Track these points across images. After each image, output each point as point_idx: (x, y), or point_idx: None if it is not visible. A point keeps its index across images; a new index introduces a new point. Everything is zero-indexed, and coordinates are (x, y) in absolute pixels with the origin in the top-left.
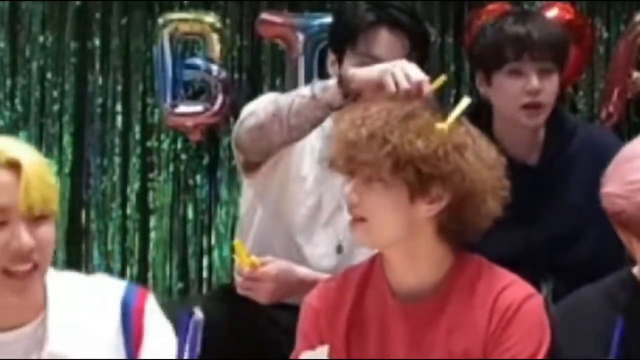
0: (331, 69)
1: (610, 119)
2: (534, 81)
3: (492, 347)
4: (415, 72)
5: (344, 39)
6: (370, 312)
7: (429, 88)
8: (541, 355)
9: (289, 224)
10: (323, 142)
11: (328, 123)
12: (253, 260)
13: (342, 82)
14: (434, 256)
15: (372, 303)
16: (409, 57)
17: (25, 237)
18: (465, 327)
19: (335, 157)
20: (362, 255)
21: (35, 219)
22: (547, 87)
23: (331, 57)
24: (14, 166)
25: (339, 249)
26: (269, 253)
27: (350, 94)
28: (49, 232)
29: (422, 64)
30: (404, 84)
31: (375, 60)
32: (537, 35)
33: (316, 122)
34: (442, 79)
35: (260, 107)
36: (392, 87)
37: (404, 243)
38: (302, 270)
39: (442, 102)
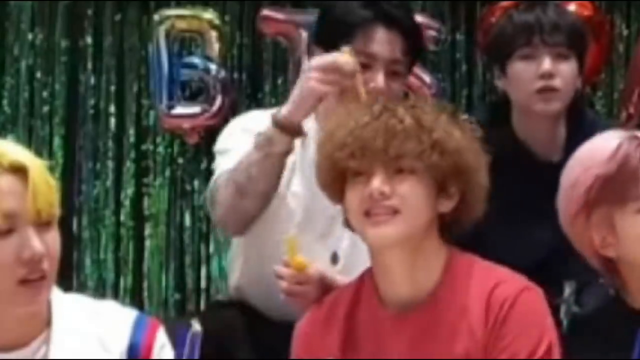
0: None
1: (630, 121)
2: (547, 63)
3: (492, 346)
4: (322, 59)
5: (337, 36)
6: (363, 328)
7: (346, 57)
8: (541, 351)
9: (279, 242)
10: (303, 151)
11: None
12: (300, 261)
13: (282, 127)
14: (433, 257)
15: (365, 318)
16: (405, 53)
17: (37, 243)
18: (464, 332)
19: (355, 150)
20: (357, 263)
21: (41, 225)
22: (563, 72)
23: (318, 53)
24: (19, 170)
25: (334, 259)
26: (264, 268)
27: (296, 132)
28: (55, 238)
29: (418, 56)
30: (331, 77)
31: (372, 57)
32: (546, 19)
33: (282, 171)
34: (345, 48)
35: (219, 196)
36: (327, 88)
37: (413, 241)
38: (337, 277)
39: (454, 102)
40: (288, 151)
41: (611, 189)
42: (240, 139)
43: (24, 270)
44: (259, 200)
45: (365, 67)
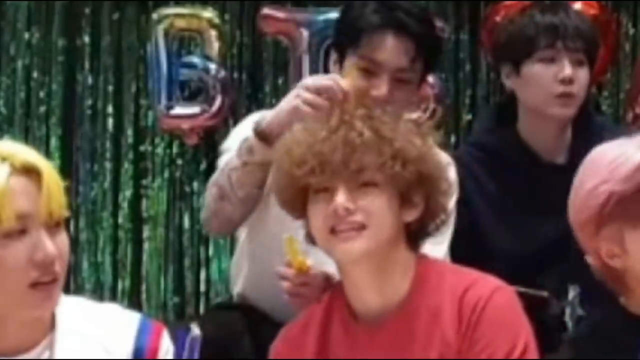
0: (333, 67)
1: (636, 122)
2: (568, 69)
3: (466, 350)
4: (319, 81)
5: (346, 40)
6: (337, 343)
7: (346, 83)
8: (517, 352)
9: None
10: None
11: None
12: (302, 261)
13: (261, 137)
14: (402, 267)
15: (338, 333)
16: (413, 62)
17: (49, 245)
18: (437, 339)
19: (315, 166)
20: None
21: (52, 227)
22: (580, 78)
23: (334, 55)
24: (30, 171)
25: None
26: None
27: (271, 139)
28: (65, 240)
29: (429, 69)
30: (319, 101)
31: (378, 65)
32: (570, 24)
33: (262, 183)
34: (352, 65)
35: (206, 197)
36: (310, 110)
37: (381, 253)
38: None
39: (458, 102)
40: (268, 162)
41: (625, 207)
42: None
43: (37, 272)
44: (240, 205)
45: (370, 73)
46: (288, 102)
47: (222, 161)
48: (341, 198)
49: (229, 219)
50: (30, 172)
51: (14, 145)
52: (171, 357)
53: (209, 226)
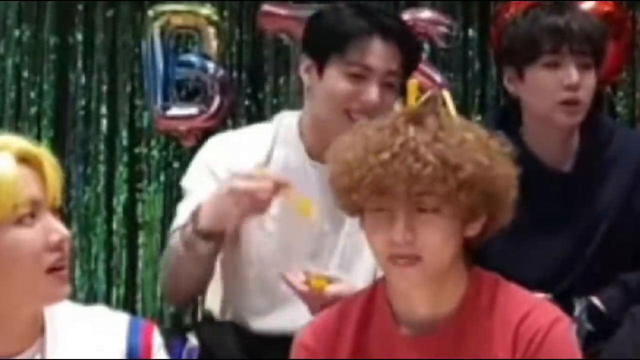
0: (305, 75)
1: None
2: (574, 75)
3: None
4: (237, 185)
5: (330, 46)
6: (374, 349)
7: (263, 181)
8: None
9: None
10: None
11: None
12: (310, 279)
13: (202, 236)
14: (456, 279)
15: (377, 339)
16: (400, 65)
17: (61, 226)
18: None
19: (375, 191)
20: (348, 280)
21: (54, 212)
22: (586, 83)
23: (306, 62)
24: (30, 158)
25: None
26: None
27: (219, 238)
28: (65, 228)
29: (409, 74)
30: (247, 202)
31: (367, 69)
32: (576, 26)
33: (212, 263)
34: (414, 84)
35: (163, 258)
36: (248, 213)
37: (438, 276)
38: (334, 287)
39: (467, 103)
40: (214, 251)
41: None
42: (204, 181)
43: (53, 256)
44: (192, 281)
45: (360, 78)
46: (220, 204)
47: (181, 208)
48: (400, 226)
49: (184, 290)
50: (30, 159)
51: (5, 137)
52: (163, 354)
53: (164, 294)
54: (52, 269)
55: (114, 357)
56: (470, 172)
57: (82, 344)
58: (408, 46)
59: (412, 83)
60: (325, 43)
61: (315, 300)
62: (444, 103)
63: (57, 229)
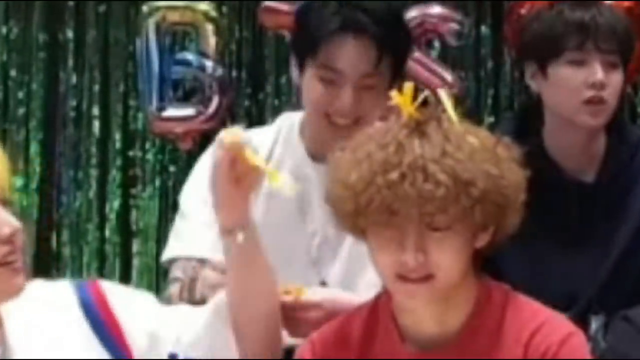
0: (295, 74)
1: None
2: (599, 73)
3: None
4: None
5: (304, 47)
6: None
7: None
8: None
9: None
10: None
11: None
12: (288, 289)
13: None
14: (465, 292)
15: (382, 355)
16: (377, 66)
17: (12, 219)
18: None
19: (384, 213)
20: (348, 289)
21: (4, 205)
22: (613, 82)
23: (293, 61)
24: None
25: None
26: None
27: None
28: (15, 220)
29: (399, 71)
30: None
31: (339, 73)
32: (603, 22)
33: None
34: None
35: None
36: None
37: (447, 291)
38: (346, 295)
39: (479, 104)
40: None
41: None
42: (203, 206)
43: (3, 249)
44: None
45: (331, 83)
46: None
47: (179, 230)
48: (411, 248)
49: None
50: None
51: None
52: (117, 291)
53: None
54: (4, 263)
55: (72, 320)
56: (482, 187)
57: (37, 319)
58: (389, 43)
59: (407, 85)
60: (300, 44)
61: (297, 312)
62: (440, 102)
63: (8, 222)
